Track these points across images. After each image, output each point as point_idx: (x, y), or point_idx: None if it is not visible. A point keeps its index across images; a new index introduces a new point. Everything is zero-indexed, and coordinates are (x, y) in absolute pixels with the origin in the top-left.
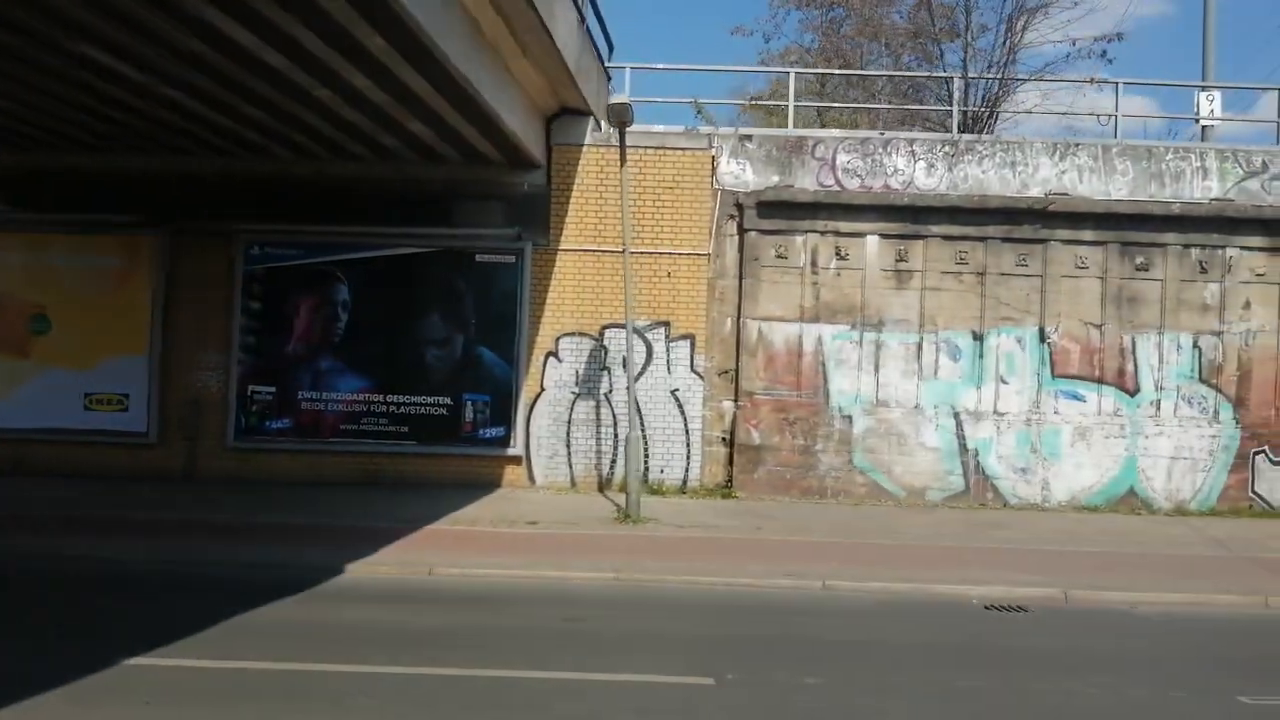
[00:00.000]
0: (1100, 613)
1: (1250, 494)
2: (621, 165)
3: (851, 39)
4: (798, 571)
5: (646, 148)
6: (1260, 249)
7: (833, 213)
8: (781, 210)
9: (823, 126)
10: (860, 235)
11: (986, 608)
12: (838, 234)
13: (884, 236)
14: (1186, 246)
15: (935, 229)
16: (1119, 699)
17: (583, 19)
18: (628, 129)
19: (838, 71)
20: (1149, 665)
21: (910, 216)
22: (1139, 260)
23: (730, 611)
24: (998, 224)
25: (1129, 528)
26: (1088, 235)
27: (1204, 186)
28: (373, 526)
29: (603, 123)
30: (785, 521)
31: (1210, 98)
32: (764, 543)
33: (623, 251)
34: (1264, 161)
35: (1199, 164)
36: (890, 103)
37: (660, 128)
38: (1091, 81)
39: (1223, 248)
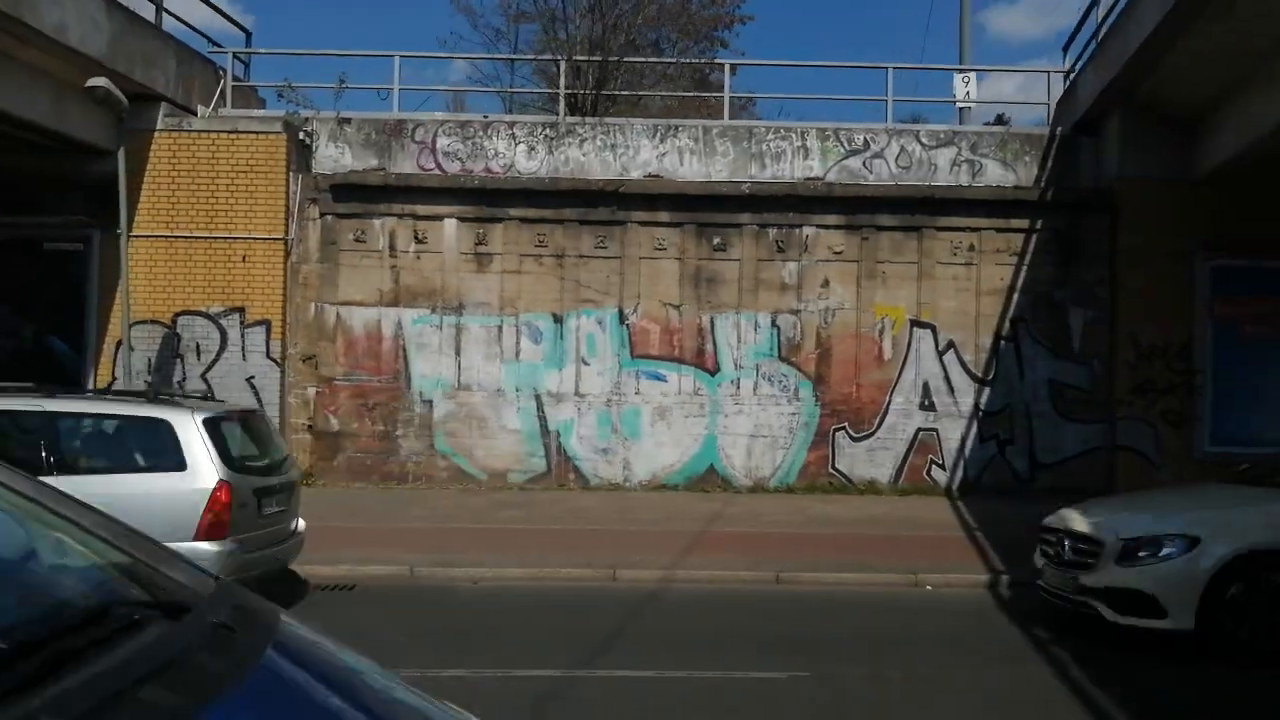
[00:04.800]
0: (428, 589)
1: (830, 470)
2: (119, 148)
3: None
4: None
5: (220, 131)
6: (837, 227)
7: (410, 196)
8: (358, 194)
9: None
10: (438, 219)
11: (320, 588)
12: (415, 217)
13: (462, 220)
14: (763, 226)
15: (514, 212)
16: None
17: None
18: (209, 113)
19: (427, 55)
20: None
21: (487, 200)
22: (716, 241)
23: None
24: (574, 207)
25: (651, 504)
26: (664, 217)
27: (805, 166)
28: None
29: (201, 109)
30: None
31: (966, 79)
32: None
33: (119, 234)
34: (866, 140)
35: (800, 143)
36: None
37: (234, 112)
38: (695, 61)
39: (799, 227)
